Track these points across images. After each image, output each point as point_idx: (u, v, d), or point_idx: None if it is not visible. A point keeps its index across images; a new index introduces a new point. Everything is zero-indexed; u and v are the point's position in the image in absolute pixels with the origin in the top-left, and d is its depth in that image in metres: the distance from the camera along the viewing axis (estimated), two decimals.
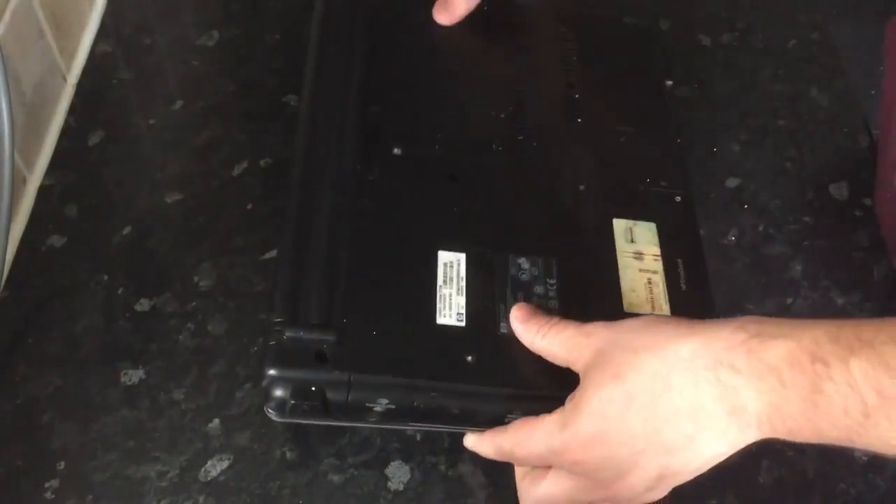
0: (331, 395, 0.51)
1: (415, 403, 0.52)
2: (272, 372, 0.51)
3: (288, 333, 0.51)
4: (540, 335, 0.51)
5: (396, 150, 0.61)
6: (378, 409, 0.52)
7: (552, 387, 0.53)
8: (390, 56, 0.67)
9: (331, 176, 0.59)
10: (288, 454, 0.55)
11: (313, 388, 0.51)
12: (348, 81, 0.64)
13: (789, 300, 0.62)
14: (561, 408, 0.48)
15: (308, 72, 0.64)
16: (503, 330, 0.54)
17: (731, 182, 0.68)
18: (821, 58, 0.76)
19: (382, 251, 0.56)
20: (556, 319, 0.51)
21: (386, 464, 0.55)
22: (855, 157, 0.70)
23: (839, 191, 0.68)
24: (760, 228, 0.66)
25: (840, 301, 0.62)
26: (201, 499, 0.53)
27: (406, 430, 0.55)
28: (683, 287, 0.57)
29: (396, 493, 0.54)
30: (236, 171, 0.68)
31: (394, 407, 0.52)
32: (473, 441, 0.52)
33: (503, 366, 0.53)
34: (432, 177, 0.60)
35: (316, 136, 0.61)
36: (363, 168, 0.59)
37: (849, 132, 0.71)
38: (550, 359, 0.51)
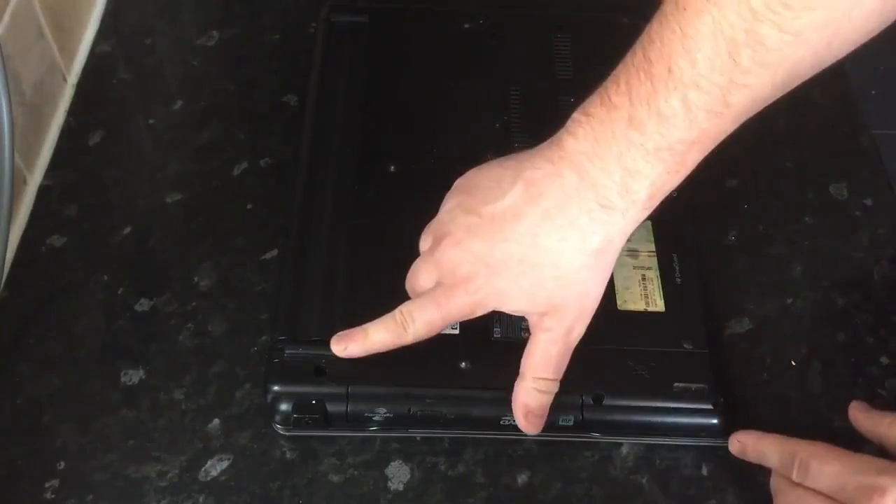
0: (331, 407, 0.54)
1: (411, 411, 0.53)
2: (275, 388, 0.54)
3: (288, 350, 0.54)
4: (887, 423, 0.52)
5: (392, 168, 0.62)
6: (377, 417, 0.54)
7: None
8: (385, 75, 0.68)
9: (329, 198, 0.61)
10: (288, 454, 0.55)
11: (314, 402, 0.52)
12: (347, 104, 0.66)
13: (789, 300, 0.62)
14: None
15: (310, 95, 0.67)
16: (496, 335, 0.55)
17: (731, 182, 0.68)
18: None
19: (379, 266, 0.58)
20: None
21: (386, 464, 0.55)
22: (855, 157, 0.70)
23: (839, 191, 0.68)
24: (760, 228, 0.66)
25: (840, 301, 0.62)
26: (201, 499, 0.53)
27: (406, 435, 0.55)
28: (678, 281, 0.58)
29: (396, 493, 0.54)
30: (236, 171, 0.68)
31: (392, 415, 0.53)
32: (754, 438, 0.53)
33: (496, 370, 0.54)
34: (427, 190, 0.61)
35: (315, 160, 0.63)
36: (360, 188, 0.61)
37: (849, 132, 0.71)
38: (892, 447, 0.51)
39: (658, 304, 0.57)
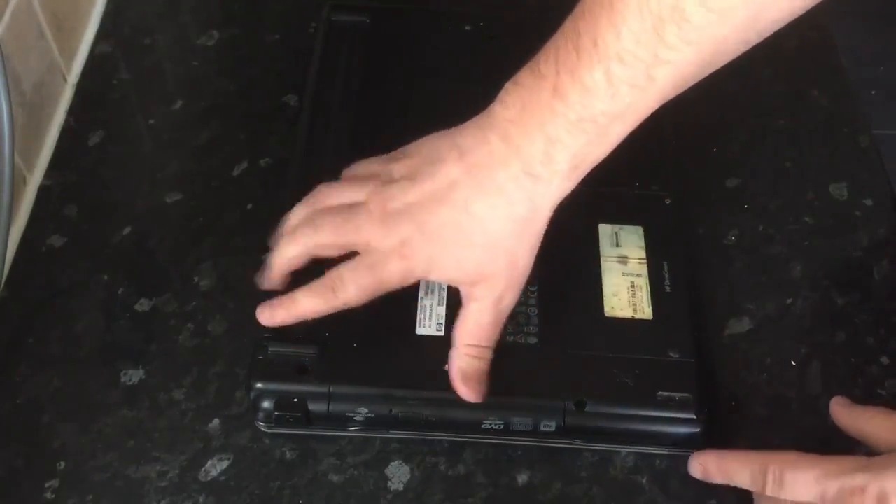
0: (312, 405, 0.54)
1: (392, 412, 0.53)
2: (258, 385, 0.54)
3: (272, 348, 0.54)
4: (866, 417, 0.51)
5: None
6: (358, 418, 0.54)
7: (526, 394, 0.53)
8: (385, 75, 0.68)
9: None
10: (288, 454, 0.55)
11: (296, 400, 0.52)
12: (345, 103, 0.66)
13: (789, 300, 0.62)
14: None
15: (308, 93, 0.67)
16: None
17: (731, 182, 0.68)
18: (821, 58, 0.76)
19: None
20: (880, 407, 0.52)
21: (386, 464, 0.55)
22: (855, 157, 0.70)
23: (839, 191, 0.68)
24: (760, 228, 0.66)
25: (840, 301, 0.62)
26: (201, 499, 0.53)
27: (390, 436, 0.55)
28: (668, 289, 0.58)
29: (396, 493, 0.54)
30: (236, 171, 0.68)
31: (373, 416, 0.53)
32: (717, 457, 0.52)
33: None
34: None
35: (311, 159, 0.63)
36: None
37: (849, 132, 0.71)
38: (872, 440, 0.51)
39: (646, 312, 0.57)
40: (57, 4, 0.70)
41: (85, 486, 0.54)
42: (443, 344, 0.55)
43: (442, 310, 0.56)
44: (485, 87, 0.67)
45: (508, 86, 0.50)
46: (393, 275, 0.52)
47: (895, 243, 0.65)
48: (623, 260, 0.59)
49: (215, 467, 0.55)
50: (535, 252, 0.52)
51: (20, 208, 0.65)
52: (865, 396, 0.57)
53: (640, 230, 0.60)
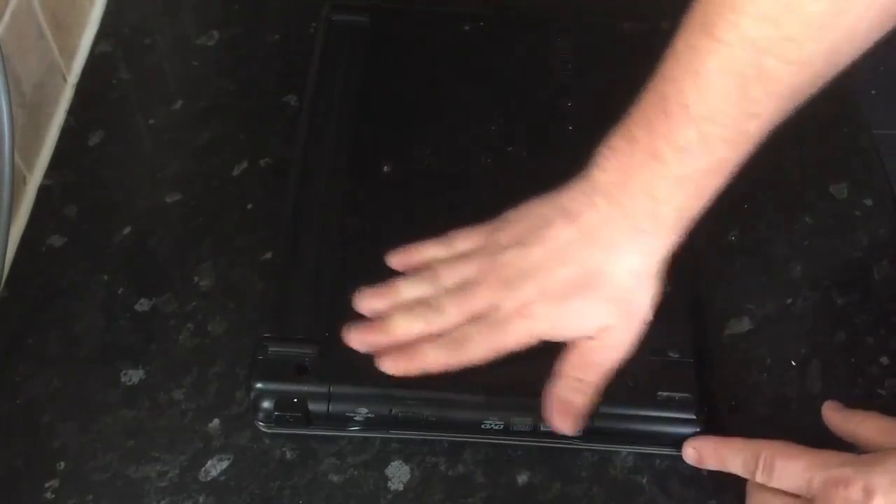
0: (312, 405, 0.54)
1: (392, 412, 0.53)
2: (258, 385, 0.54)
3: (272, 348, 0.54)
4: (857, 421, 0.52)
5: (385, 168, 0.62)
6: (358, 418, 0.54)
7: (527, 394, 0.53)
8: (384, 75, 0.68)
9: (322, 197, 0.61)
10: (288, 454, 0.55)
11: (296, 400, 0.52)
12: (345, 103, 0.66)
13: (789, 300, 0.62)
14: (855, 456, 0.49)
15: (307, 93, 0.67)
16: None
17: (731, 182, 0.68)
18: None
19: (367, 265, 0.57)
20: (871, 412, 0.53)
21: (386, 464, 0.55)
22: (855, 157, 0.70)
23: (839, 191, 0.68)
24: (760, 228, 0.66)
25: (840, 301, 0.62)
26: (201, 499, 0.53)
27: (390, 436, 0.55)
28: (667, 288, 0.58)
29: (396, 493, 0.54)
30: (236, 171, 0.68)
31: (373, 416, 0.53)
32: (713, 443, 0.53)
33: (480, 373, 0.53)
34: (418, 192, 0.61)
35: (310, 158, 0.63)
36: (353, 187, 0.61)
37: (849, 132, 0.71)
38: (864, 443, 0.51)
39: None
40: (57, 4, 0.70)
41: (85, 486, 0.54)
42: None
43: None
44: (484, 87, 0.68)
45: (604, 150, 0.52)
46: (518, 334, 0.53)
47: (895, 243, 0.65)
48: None
49: (215, 467, 0.55)
50: (652, 303, 0.54)
51: (20, 208, 0.65)
52: (865, 396, 0.57)
53: None
